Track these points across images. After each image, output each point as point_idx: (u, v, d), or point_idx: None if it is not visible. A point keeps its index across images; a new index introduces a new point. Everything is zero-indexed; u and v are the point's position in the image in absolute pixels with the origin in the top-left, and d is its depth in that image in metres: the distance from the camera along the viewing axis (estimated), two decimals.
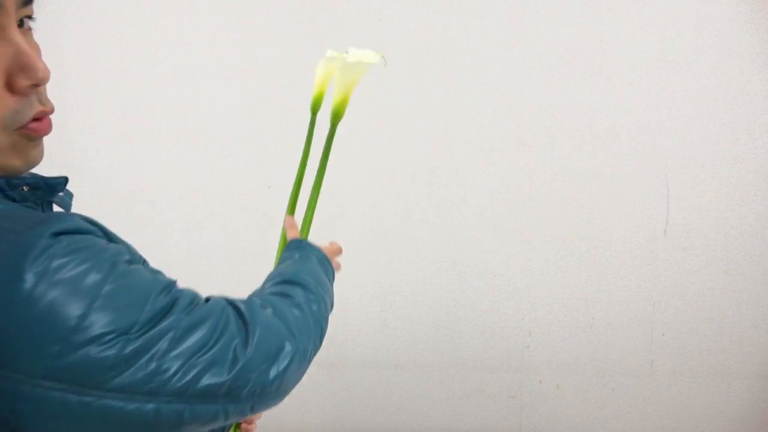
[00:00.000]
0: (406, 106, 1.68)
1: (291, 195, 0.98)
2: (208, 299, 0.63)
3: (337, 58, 0.91)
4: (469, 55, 1.65)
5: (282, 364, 0.61)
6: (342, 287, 1.92)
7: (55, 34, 1.65)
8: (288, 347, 0.62)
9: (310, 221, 0.97)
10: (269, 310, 0.65)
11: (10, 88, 0.55)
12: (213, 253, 1.75)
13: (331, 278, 0.88)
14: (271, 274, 0.80)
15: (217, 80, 1.68)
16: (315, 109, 0.95)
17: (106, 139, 1.71)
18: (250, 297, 0.69)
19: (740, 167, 1.64)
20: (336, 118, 0.93)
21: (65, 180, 0.68)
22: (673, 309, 1.71)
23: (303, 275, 0.77)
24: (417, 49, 1.65)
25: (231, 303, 0.63)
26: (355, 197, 1.73)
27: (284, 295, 0.71)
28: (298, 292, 0.73)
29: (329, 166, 0.98)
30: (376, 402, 1.81)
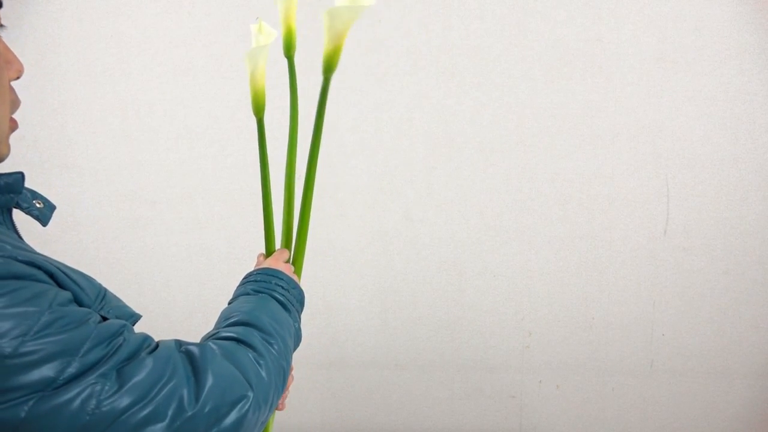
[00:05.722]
0: (406, 106, 1.68)
1: (288, 155, 0.91)
2: (158, 345, 0.60)
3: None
4: (469, 55, 1.65)
5: (236, 415, 0.58)
6: (342, 287, 1.91)
7: (55, 34, 1.65)
8: (244, 398, 0.59)
9: (311, 189, 0.89)
10: (225, 359, 0.61)
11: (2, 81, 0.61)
12: (213, 253, 1.75)
13: (300, 306, 0.83)
14: (225, 310, 0.76)
15: (217, 80, 1.68)
16: (289, 52, 0.88)
17: (106, 139, 1.71)
18: (206, 342, 0.65)
19: (740, 167, 1.64)
20: (329, 71, 0.83)
21: (22, 176, 0.66)
22: (673, 309, 1.71)
23: (258, 314, 0.72)
24: (417, 49, 1.65)
25: (184, 350, 0.60)
26: (355, 197, 1.73)
27: (240, 340, 0.66)
28: (255, 336, 0.68)
29: (326, 154, 0.91)
30: (376, 402, 1.81)
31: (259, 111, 0.89)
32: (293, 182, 0.91)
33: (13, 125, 0.65)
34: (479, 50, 1.65)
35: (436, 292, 1.75)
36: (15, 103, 0.64)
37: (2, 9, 0.62)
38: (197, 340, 0.71)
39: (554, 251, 1.71)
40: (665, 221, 1.68)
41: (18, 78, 0.63)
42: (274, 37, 0.84)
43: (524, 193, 1.69)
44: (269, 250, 0.92)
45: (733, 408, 1.74)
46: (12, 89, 0.63)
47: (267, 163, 0.91)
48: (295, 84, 0.91)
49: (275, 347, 0.68)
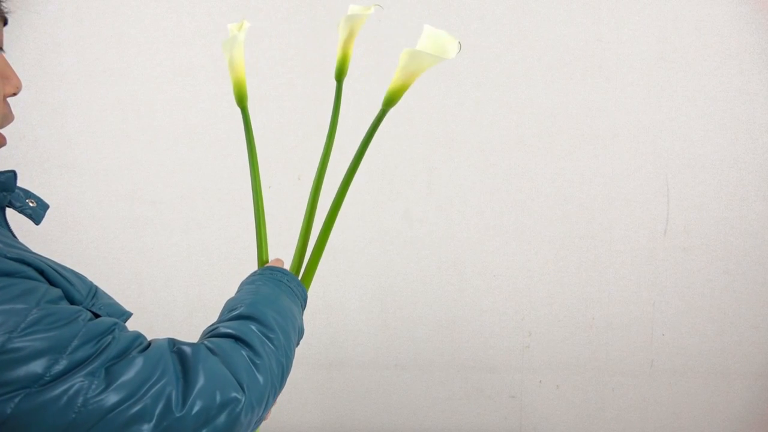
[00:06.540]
0: (406, 106, 1.68)
1: (316, 176, 0.92)
2: (149, 344, 0.59)
3: (361, 15, 0.82)
4: (469, 55, 1.65)
5: (227, 417, 0.57)
6: (342, 287, 1.91)
7: (55, 34, 1.65)
8: (235, 400, 0.58)
9: (338, 208, 0.91)
10: (218, 359, 0.60)
11: None
12: (213, 253, 1.75)
13: (302, 302, 0.83)
14: (230, 301, 0.75)
15: (217, 80, 1.68)
16: (340, 76, 0.87)
17: (106, 139, 1.71)
18: (200, 342, 0.64)
19: (740, 167, 1.64)
20: (389, 104, 0.84)
21: (14, 174, 0.66)
22: (673, 309, 1.71)
23: (261, 307, 0.71)
24: None
25: (176, 350, 0.60)
26: (355, 197, 1.72)
27: (237, 338, 0.65)
28: (253, 332, 0.66)
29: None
30: (376, 402, 1.81)
31: (241, 100, 0.90)
32: (318, 195, 0.93)
33: (1, 141, 0.65)
34: (479, 50, 1.65)
35: (436, 292, 1.75)
36: (7, 118, 0.64)
37: (6, 26, 0.63)
38: (196, 340, 0.71)
39: (554, 251, 1.71)
40: (665, 221, 1.68)
41: (15, 94, 0.64)
42: (247, 26, 0.86)
43: (524, 193, 1.69)
44: (261, 258, 0.92)
45: (733, 408, 1.74)
46: (6, 104, 0.63)
47: (255, 155, 0.93)
48: (339, 106, 0.90)
49: (274, 342, 0.67)
